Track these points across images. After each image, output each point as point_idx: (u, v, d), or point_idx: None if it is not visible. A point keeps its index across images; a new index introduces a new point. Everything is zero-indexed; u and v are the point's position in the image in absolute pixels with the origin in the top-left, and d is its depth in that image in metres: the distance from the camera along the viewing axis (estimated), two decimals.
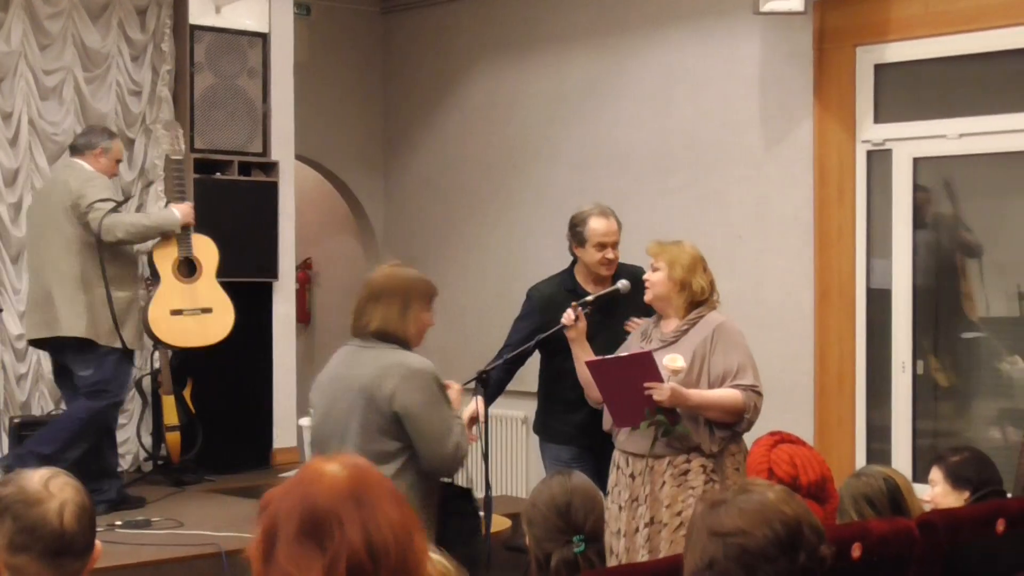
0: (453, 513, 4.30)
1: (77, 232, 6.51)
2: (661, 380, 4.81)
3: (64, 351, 6.67)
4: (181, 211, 6.70)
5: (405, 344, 4.31)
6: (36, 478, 2.41)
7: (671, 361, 4.83)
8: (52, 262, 6.56)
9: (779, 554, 2.15)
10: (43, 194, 6.87)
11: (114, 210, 6.46)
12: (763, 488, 2.27)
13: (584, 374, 5.17)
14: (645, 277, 5.15)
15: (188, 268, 6.83)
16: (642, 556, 4.84)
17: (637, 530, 4.92)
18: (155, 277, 6.81)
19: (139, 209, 7.94)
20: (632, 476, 4.95)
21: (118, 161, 6.88)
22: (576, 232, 5.66)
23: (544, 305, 5.58)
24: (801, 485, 3.58)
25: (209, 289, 6.81)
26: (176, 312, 6.73)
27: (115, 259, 6.58)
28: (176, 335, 6.74)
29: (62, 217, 6.52)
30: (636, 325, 5.29)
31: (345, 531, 1.92)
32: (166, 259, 6.71)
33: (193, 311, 6.75)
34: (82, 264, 6.52)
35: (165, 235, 6.72)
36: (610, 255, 5.58)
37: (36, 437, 6.68)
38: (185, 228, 6.72)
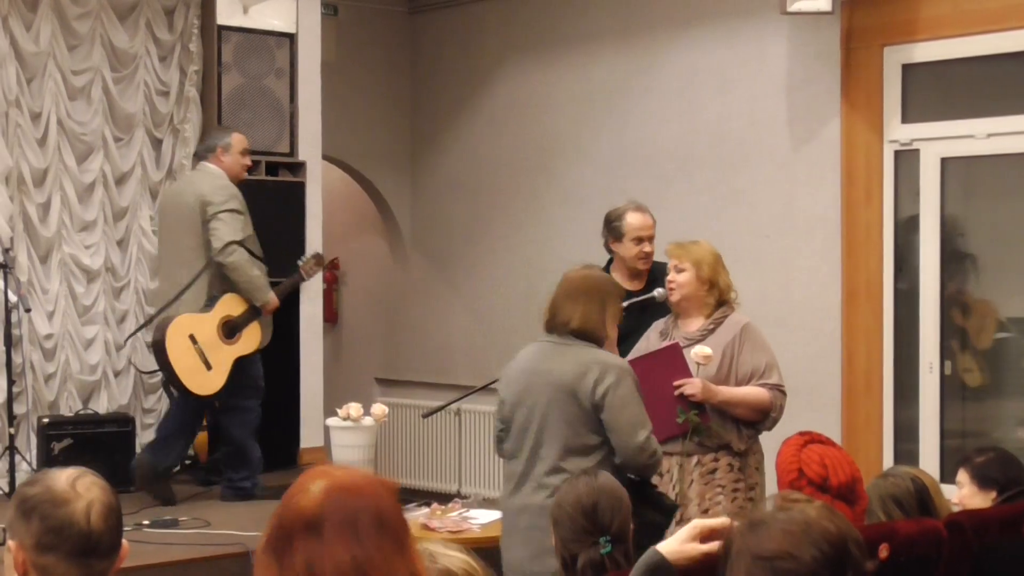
0: (644, 512, 4.27)
1: (207, 235, 6.78)
2: (689, 374, 4.86)
3: None
4: (273, 299, 6.92)
5: (599, 342, 4.47)
6: (63, 478, 2.41)
7: (699, 351, 4.87)
8: (188, 265, 6.82)
9: (827, 575, 2.10)
10: (175, 198, 7.04)
11: (234, 213, 6.72)
12: (803, 505, 2.20)
13: None
14: (670, 279, 5.13)
15: (231, 330, 6.91)
16: None
17: None
18: (210, 304, 6.89)
19: None
20: (661, 475, 4.95)
21: (244, 152, 7.03)
22: (613, 227, 5.73)
23: None
24: (831, 486, 3.56)
25: (226, 357, 6.88)
26: (192, 339, 6.79)
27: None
28: (175, 349, 6.78)
29: (194, 220, 6.76)
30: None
31: (294, 557, 1.90)
32: (229, 308, 6.86)
33: (202, 355, 6.83)
34: (211, 266, 6.83)
35: (247, 297, 6.88)
36: (647, 248, 5.67)
37: (231, 467, 6.99)
38: (259, 309, 6.90)
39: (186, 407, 6.98)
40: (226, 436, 7.03)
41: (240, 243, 6.74)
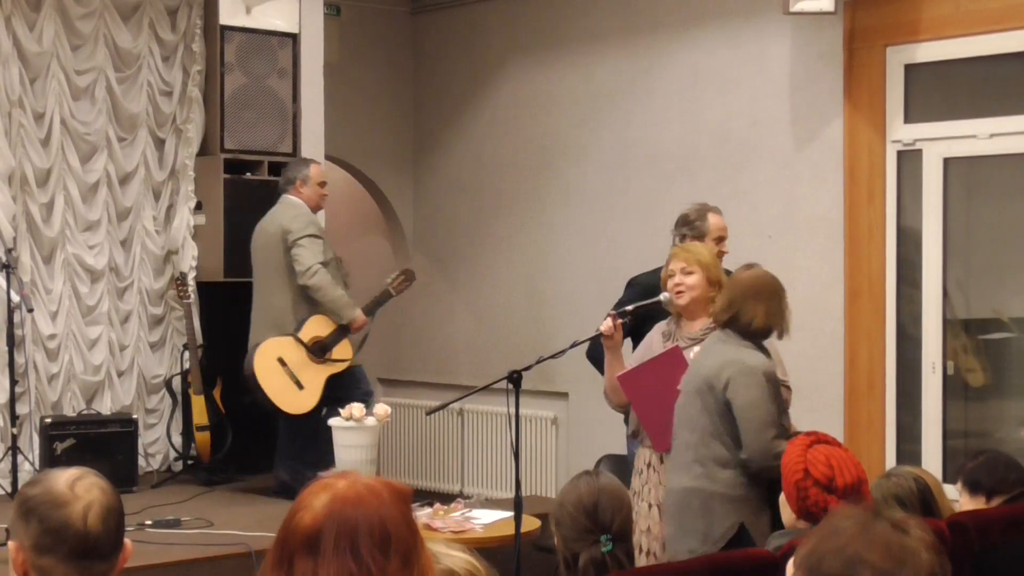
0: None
1: (291, 262, 7.02)
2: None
3: None
4: (359, 316, 7.08)
5: (779, 335, 4.80)
6: (63, 479, 2.40)
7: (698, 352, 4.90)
8: (277, 293, 7.08)
9: None
10: (261, 232, 7.22)
11: (313, 238, 6.97)
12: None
13: (612, 380, 5.19)
14: (677, 282, 5.13)
15: (321, 351, 7.02)
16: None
17: None
18: (299, 327, 7.03)
19: (169, 210, 8.01)
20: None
21: (322, 184, 7.26)
22: (695, 226, 5.85)
23: (647, 294, 5.61)
24: (838, 487, 3.56)
25: (317, 376, 7.02)
26: (281, 361, 6.92)
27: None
28: (264, 375, 6.93)
29: (278, 250, 7.02)
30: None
31: (294, 573, 1.87)
32: (317, 328, 7.03)
33: (293, 376, 6.94)
34: (296, 291, 7.06)
35: (334, 317, 7.04)
36: (725, 249, 5.84)
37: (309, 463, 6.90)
38: (347, 327, 7.07)
39: (293, 426, 7.09)
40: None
41: (322, 265, 6.97)
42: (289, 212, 7.09)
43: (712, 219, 5.87)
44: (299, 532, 1.88)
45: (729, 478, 4.57)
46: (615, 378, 5.13)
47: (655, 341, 5.20)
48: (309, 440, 7.04)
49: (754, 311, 4.67)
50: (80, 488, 2.39)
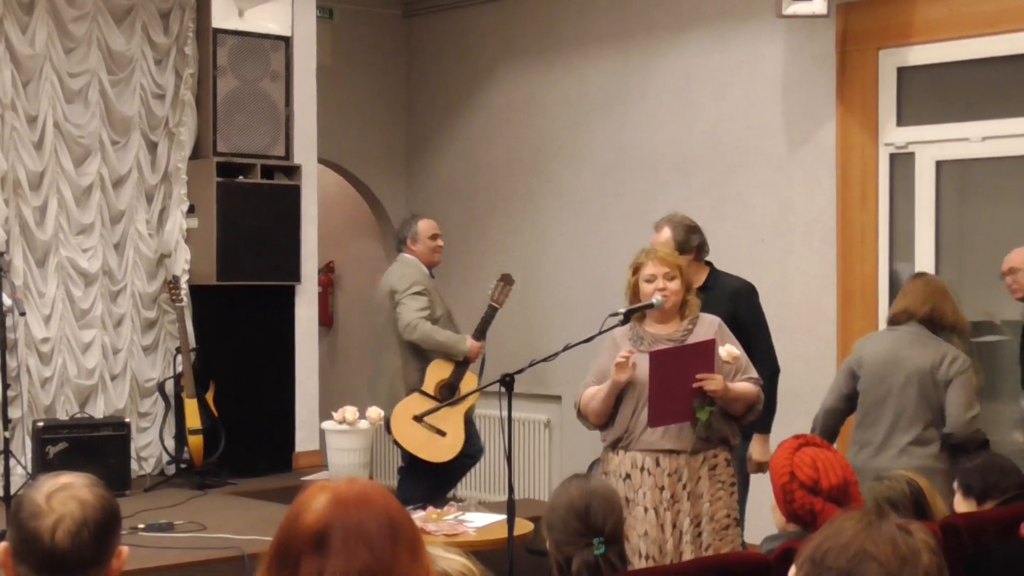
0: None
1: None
2: (713, 370, 4.93)
3: None
4: (472, 346, 7.04)
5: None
6: (44, 489, 2.39)
7: (730, 351, 5.01)
8: (391, 349, 7.07)
9: None
10: (377, 292, 7.27)
11: (416, 295, 6.95)
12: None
13: (598, 406, 5.11)
14: (661, 286, 5.11)
15: (449, 391, 7.00)
16: (690, 553, 4.87)
17: (675, 527, 4.93)
18: (421, 379, 7.00)
19: (162, 213, 8.00)
20: (669, 474, 4.96)
21: (433, 237, 7.21)
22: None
23: None
24: (823, 489, 3.56)
25: (455, 419, 7.01)
26: (417, 418, 6.91)
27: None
28: (406, 437, 6.95)
29: (388, 309, 7.05)
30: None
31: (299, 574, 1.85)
32: (438, 374, 7.01)
33: (431, 427, 6.93)
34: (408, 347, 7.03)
35: (448, 356, 7.02)
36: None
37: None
38: (466, 361, 7.04)
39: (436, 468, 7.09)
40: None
41: (430, 319, 6.95)
42: (398, 271, 7.10)
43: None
44: (304, 532, 1.87)
45: (937, 453, 5.43)
46: (612, 390, 5.06)
47: (623, 347, 5.14)
48: (453, 476, 7.26)
49: (946, 308, 5.56)
50: (57, 501, 2.36)
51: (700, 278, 5.76)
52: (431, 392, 6.97)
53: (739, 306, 5.72)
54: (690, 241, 5.84)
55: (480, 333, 7.10)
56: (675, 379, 4.90)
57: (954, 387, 5.42)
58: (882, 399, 5.51)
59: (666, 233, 5.93)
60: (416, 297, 6.96)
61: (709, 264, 5.96)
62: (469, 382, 7.04)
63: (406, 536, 1.90)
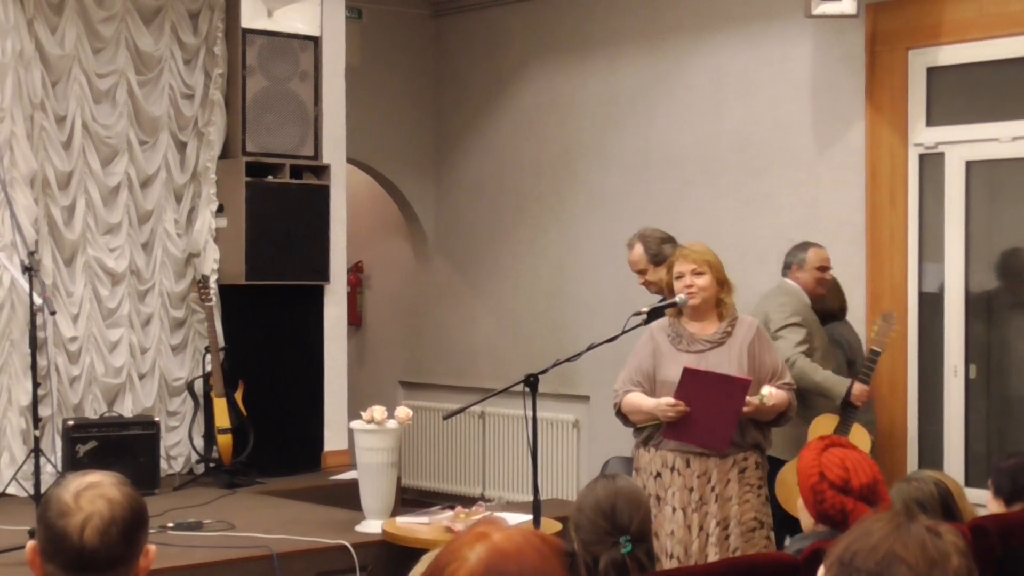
0: None
1: None
2: (743, 405, 4.93)
3: None
4: (857, 388, 6.32)
5: None
6: (72, 488, 2.39)
7: (774, 393, 5.02)
8: None
9: None
10: (755, 307, 6.69)
11: (793, 327, 6.44)
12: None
13: (643, 419, 5.13)
14: (689, 283, 5.11)
15: None
16: (715, 555, 4.86)
17: (702, 528, 4.94)
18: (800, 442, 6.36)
19: (191, 213, 8.03)
20: (699, 476, 4.97)
21: (821, 268, 6.71)
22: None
23: None
24: (853, 488, 3.56)
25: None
26: None
27: None
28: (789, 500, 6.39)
29: None
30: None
31: None
32: (820, 429, 6.22)
33: None
34: None
35: (830, 402, 6.39)
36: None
37: None
38: (850, 407, 6.33)
39: None
40: None
41: (805, 353, 6.38)
42: (777, 300, 6.61)
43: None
44: None
45: None
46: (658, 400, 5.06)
47: (661, 343, 5.14)
48: None
49: None
50: (85, 499, 2.36)
51: None
52: None
53: None
54: (662, 252, 5.80)
55: (865, 378, 6.34)
56: (702, 400, 4.89)
57: None
58: None
59: (637, 250, 5.91)
60: (795, 329, 6.43)
61: None
62: (859, 437, 6.17)
63: None
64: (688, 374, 4.93)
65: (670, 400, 4.97)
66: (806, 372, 6.26)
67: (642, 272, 5.92)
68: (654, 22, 8.33)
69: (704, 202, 7.95)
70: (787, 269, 6.76)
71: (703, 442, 4.96)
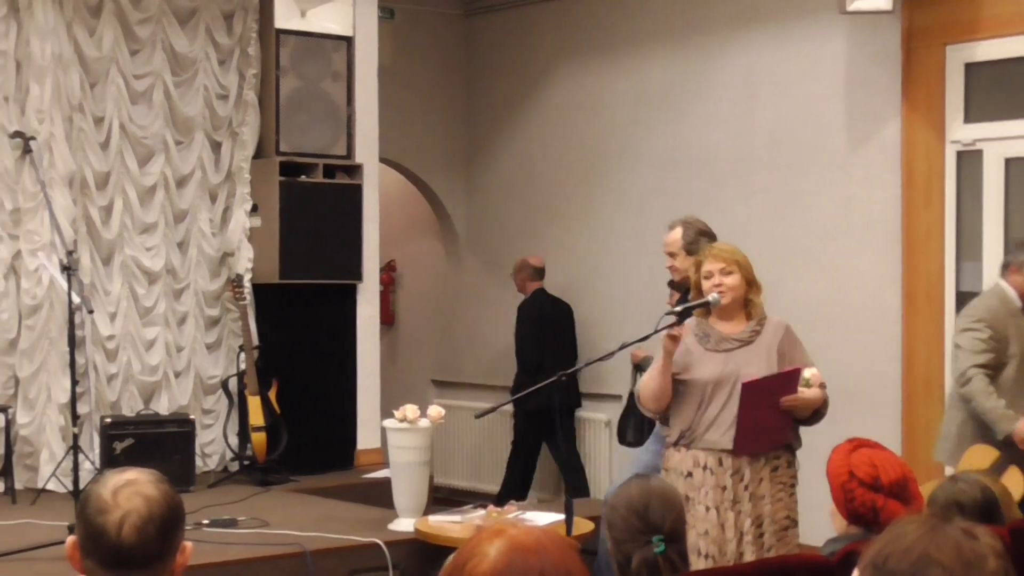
0: None
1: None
2: (795, 391, 4.94)
3: None
4: (1021, 429, 5.83)
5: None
6: (110, 485, 2.41)
7: (815, 374, 4.98)
8: (955, 400, 6.18)
9: None
10: None
11: (971, 332, 6.00)
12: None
13: (655, 386, 5.09)
14: (718, 282, 5.09)
15: None
16: (751, 554, 4.85)
17: (736, 527, 4.92)
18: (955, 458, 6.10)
19: (225, 212, 8.07)
20: (732, 474, 4.96)
21: None
22: None
23: None
24: (883, 485, 3.54)
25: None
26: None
27: None
28: None
29: None
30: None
31: None
32: (972, 463, 5.77)
33: None
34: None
35: (992, 427, 5.93)
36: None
37: None
38: (1013, 447, 5.82)
39: None
40: None
41: (983, 367, 5.95)
42: (980, 302, 6.17)
43: None
44: None
45: None
46: (663, 374, 5.04)
47: (690, 344, 5.13)
48: None
49: None
50: (123, 496, 2.38)
51: None
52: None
53: None
54: (698, 242, 5.77)
55: None
56: (764, 408, 4.90)
57: None
58: None
59: (676, 232, 5.89)
60: (975, 337, 5.96)
61: None
62: (1014, 480, 5.61)
63: None
64: (747, 388, 4.92)
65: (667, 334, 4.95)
66: (976, 395, 5.91)
67: (672, 255, 5.90)
68: (684, 20, 8.30)
69: (735, 201, 7.92)
70: (1004, 269, 6.20)
71: (774, 441, 4.98)
